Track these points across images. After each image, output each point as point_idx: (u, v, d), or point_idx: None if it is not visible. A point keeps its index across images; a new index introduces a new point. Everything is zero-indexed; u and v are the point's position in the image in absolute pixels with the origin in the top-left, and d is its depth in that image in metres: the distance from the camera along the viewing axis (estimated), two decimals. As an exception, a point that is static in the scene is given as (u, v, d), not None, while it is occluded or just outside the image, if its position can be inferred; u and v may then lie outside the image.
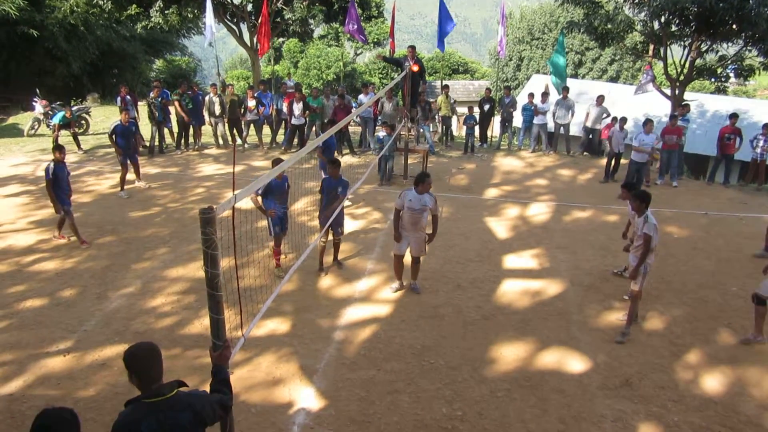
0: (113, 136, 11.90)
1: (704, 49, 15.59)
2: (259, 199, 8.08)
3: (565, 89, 16.07)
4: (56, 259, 8.92)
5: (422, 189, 7.42)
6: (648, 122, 13.05)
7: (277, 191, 8.11)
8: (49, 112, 18.44)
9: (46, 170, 9.00)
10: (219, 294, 3.46)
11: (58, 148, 9.18)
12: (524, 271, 8.81)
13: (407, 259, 7.87)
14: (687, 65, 15.77)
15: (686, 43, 15.68)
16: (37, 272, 8.47)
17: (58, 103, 19.22)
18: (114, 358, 6.22)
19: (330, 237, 8.53)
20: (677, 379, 6.11)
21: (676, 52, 16.15)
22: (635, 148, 12.72)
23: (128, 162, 12.00)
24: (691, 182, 14.95)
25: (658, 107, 20.90)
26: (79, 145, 15.93)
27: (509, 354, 6.53)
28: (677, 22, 15.21)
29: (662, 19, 15.18)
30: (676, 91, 15.97)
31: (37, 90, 19.53)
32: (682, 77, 15.93)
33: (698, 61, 15.90)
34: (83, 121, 18.53)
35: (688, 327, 7.19)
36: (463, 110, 18.45)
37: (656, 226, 6.66)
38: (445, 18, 16.61)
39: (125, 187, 12.12)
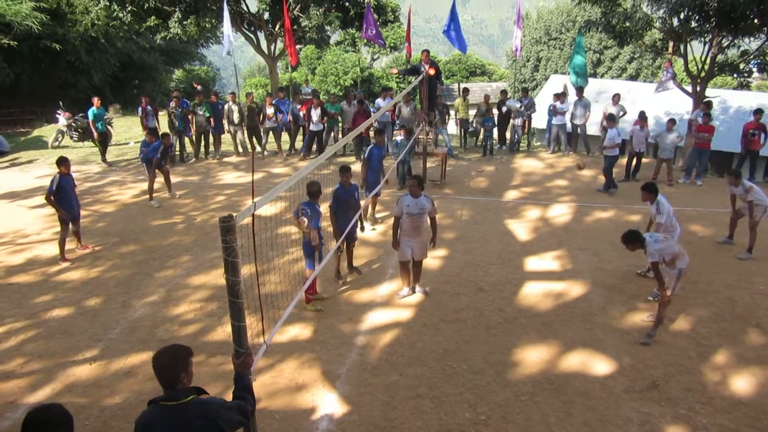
0: (150, 159, 12.01)
1: (725, 44, 15.34)
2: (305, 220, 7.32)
3: (580, 89, 15.93)
4: (81, 268, 9.06)
5: (413, 192, 7.39)
6: (671, 121, 12.95)
7: (317, 217, 7.43)
8: (72, 125, 18.74)
9: (52, 181, 9.11)
10: (240, 301, 3.48)
11: (62, 161, 9.25)
12: (546, 273, 8.73)
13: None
14: (708, 61, 15.53)
15: (707, 39, 15.44)
16: (63, 282, 8.60)
17: (80, 115, 19.53)
18: (139, 366, 6.29)
19: (345, 245, 8.45)
20: (705, 381, 6.00)
21: (697, 49, 15.93)
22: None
23: (156, 171, 12.15)
24: (715, 180, 14.71)
25: (680, 105, 20.64)
26: (104, 156, 16.07)
27: (532, 357, 6.48)
28: (697, 18, 15.00)
29: (681, 16, 14.98)
30: (698, 88, 15.75)
31: (61, 102, 19.88)
32: (703, 74, 15.69)
33: (719, 57, 15.65)
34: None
35: (715, 327, 7.07)
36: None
37: (658, 250, 6.45)
38: (454, 21, 16.50)
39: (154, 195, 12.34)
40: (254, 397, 3.44)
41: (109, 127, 18.56)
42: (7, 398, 5.82)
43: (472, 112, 17.80)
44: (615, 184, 12.87)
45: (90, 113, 15.44)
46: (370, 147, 10.36)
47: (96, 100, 15.71)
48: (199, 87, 19.86)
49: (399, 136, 12.85)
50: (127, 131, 20.85)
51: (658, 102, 20.84)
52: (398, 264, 7.98)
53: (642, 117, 13.79)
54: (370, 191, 10.13)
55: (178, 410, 2.99)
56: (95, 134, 15.64)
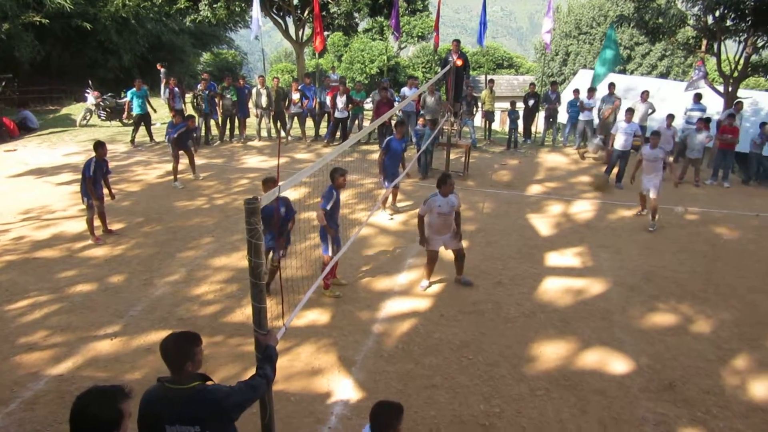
0: (173, 139, 12.08)
1: (761, 44, 15.02)
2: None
3: (611, 85, 15.71)
4: (105, 246, 9.20)
5: (446, 190, 7.34)
6: (700, 121, 12.70)
7: (337, 208, 7.57)
8: (101, 104, 18.96)
9: (87, 166, 9.07)
10: (262, 283, 3.51)
11: (100, 144, 9.23)
12: (566, 269, 8.67)
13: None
14: (742, 61, 15.23)
15: (741, 39, 15.14)
16: (87, 258, 8.75)
17: (110, 94, 19.75)
18: (158, 344, 6.37)
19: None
20: (723, 385, 5.94)
21: (731, 48, 15.63)
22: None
23: (180, 153, 12.23)
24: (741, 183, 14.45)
25: (710, 105, 20.25)
26: (133, 141, 16.20)
27: (549, 353, 6.45)
28: (733, 16, 14.71)
29: (717, 14, 14.70)
30: (730, 88, 15.45)
31: (90, 81, 20.11)
32: (736, 74, 15.39)
33: (754, 57, 15.33)
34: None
35: (735, 331, 6.97)
36: (505, 105, 18.25)
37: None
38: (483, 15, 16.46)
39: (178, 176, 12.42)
40: (274, 367, 3.44)
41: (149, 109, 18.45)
42: (30, 369, 5.95)
43: (498, 105, 17.69)
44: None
45: (129, 94, 15.71)
46: (388, 139, 10.28)
47: (137, 82, 15.85)
48: (162, 69, 20.24)
49: (417, 125, 12.84)
50: (154, 112, 21.01)
51: (688, 101, 20.47)
52: (426, 255, 7.83)
53: (669, 116, 13.62)
54: (388, 181, 10.10)
55: (180, 395, 3.07)
56: (126, 113, 15.98)
